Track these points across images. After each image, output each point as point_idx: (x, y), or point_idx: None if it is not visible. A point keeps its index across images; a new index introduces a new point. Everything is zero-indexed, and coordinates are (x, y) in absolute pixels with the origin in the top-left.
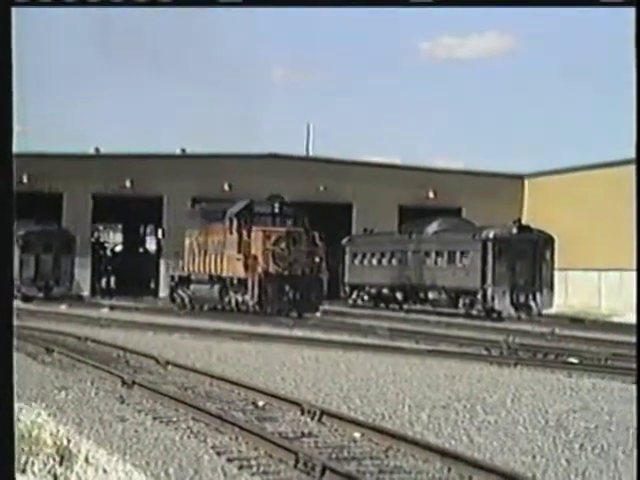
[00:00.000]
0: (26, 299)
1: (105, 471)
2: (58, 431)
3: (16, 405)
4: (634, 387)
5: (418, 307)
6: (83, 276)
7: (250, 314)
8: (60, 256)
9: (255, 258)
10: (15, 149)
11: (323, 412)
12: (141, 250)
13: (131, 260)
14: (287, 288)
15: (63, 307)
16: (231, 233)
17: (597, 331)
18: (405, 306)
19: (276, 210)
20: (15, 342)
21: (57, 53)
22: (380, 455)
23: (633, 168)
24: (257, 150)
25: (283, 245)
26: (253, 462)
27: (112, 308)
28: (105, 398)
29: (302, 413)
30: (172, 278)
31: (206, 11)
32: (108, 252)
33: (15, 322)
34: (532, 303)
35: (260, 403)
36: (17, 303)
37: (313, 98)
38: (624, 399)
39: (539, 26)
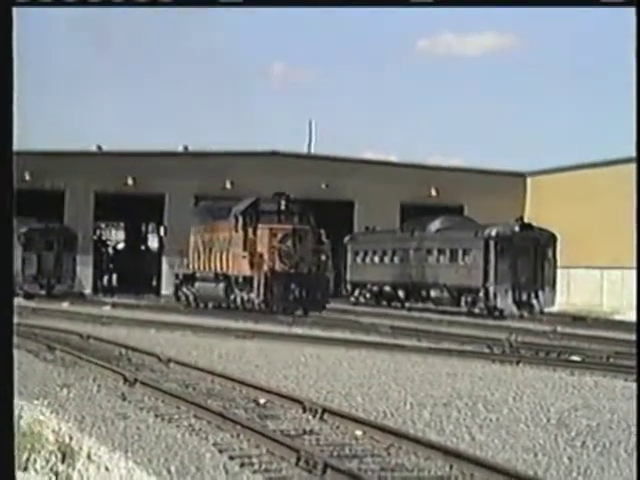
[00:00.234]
0: (28, 297)
1: (107, 469)
2: (60, 428)
3: (18, 403)
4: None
5: (420, 305)
6: (85, 274)
7: (255, 312)
8: (62, 254)
9: (261, 256)
10: (16, 147)
11: (325, 410)
12: (143, 248)
13: (133, 258)
14: (293, 286)
15: (65, 305)
16: (237, 231)
17: (599, 329)
18: (407, 304)
19: (282, 207)
20: (17, 340)
21: (57, 53)
22: (382, 453)
23: (634, 167)
24: (259, 148)
25: (289, 243)
26: (255, 460)
27: (114, 306)
28: (107, 395)
29: (304, 411)
30: (177, 276)
31: (206, 11)
32: (110, 250)
33: (17, 320)
34: (534, 301)
35: (262, 401)
36: (19, 301)
37: (313, 96)
38: (626, 397)
39: (539, 25)
